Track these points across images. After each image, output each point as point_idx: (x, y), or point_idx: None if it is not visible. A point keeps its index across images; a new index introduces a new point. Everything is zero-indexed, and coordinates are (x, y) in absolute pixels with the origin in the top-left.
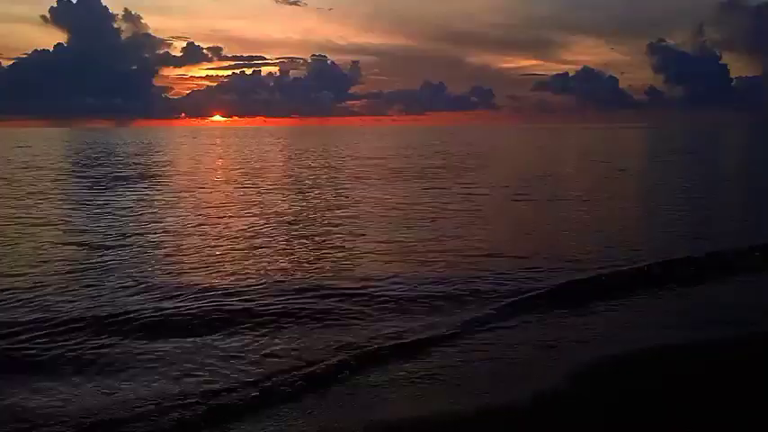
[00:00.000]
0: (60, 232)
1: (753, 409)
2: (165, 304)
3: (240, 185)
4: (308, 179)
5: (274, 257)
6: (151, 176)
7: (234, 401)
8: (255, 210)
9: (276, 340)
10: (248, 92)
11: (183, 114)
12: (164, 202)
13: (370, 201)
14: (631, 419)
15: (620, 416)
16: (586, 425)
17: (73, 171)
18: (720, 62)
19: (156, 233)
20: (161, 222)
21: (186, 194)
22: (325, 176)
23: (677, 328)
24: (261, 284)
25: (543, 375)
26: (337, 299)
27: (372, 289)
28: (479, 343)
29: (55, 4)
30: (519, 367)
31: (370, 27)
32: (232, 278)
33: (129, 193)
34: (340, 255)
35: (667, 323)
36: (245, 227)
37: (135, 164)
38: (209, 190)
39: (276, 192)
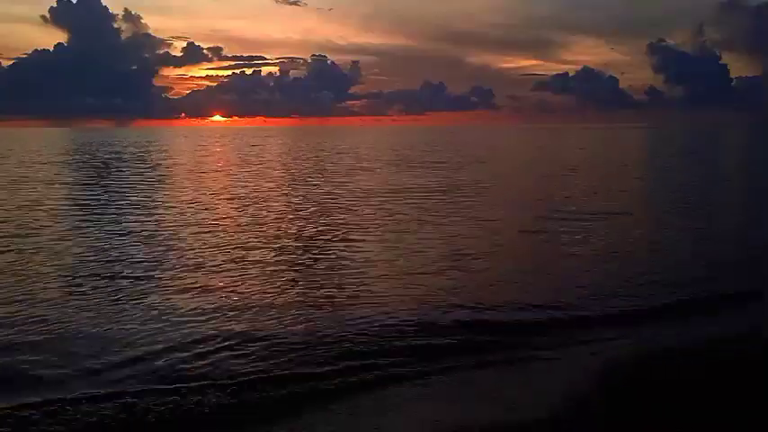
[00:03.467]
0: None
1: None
2: None
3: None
4: None
5: None
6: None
7: None
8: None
9: None
10: (248, 92)
11: (183, 114)
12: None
13: None
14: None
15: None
16: None
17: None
18: (720, 62)
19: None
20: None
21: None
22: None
23: None
24: None
25: None
26: None
27: None
28: None
29: (55, 4)
30: None
31: (370, 27)
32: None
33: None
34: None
35: None
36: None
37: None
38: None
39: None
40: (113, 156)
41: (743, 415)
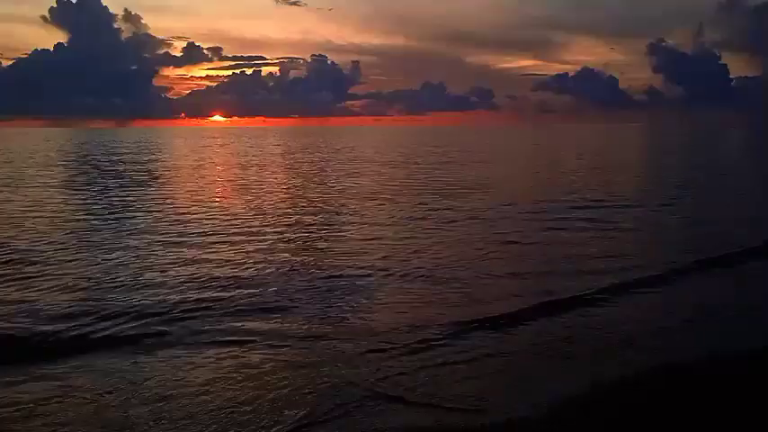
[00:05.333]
0: None
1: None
2: None
3: None
4: None
5: None
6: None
7: None
8: None
9: None
10: (248, 92)
11: (182, 114)
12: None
13: None
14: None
15: None
16: None
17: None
18: (720, 62)
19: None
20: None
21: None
22: None
23: None
24: None
25: None
26: None
27: None
28: None
29: (55, 4)
30: None
31: (369, 27)
32: None
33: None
34: None
35: None
36: None
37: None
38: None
39: None
40: (110, 158)
41: (743, 415)
